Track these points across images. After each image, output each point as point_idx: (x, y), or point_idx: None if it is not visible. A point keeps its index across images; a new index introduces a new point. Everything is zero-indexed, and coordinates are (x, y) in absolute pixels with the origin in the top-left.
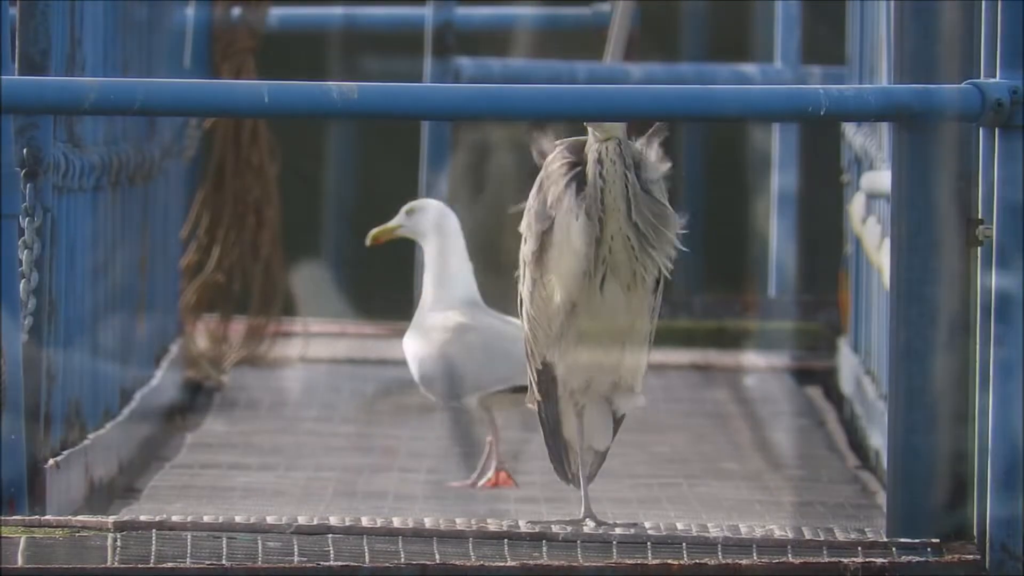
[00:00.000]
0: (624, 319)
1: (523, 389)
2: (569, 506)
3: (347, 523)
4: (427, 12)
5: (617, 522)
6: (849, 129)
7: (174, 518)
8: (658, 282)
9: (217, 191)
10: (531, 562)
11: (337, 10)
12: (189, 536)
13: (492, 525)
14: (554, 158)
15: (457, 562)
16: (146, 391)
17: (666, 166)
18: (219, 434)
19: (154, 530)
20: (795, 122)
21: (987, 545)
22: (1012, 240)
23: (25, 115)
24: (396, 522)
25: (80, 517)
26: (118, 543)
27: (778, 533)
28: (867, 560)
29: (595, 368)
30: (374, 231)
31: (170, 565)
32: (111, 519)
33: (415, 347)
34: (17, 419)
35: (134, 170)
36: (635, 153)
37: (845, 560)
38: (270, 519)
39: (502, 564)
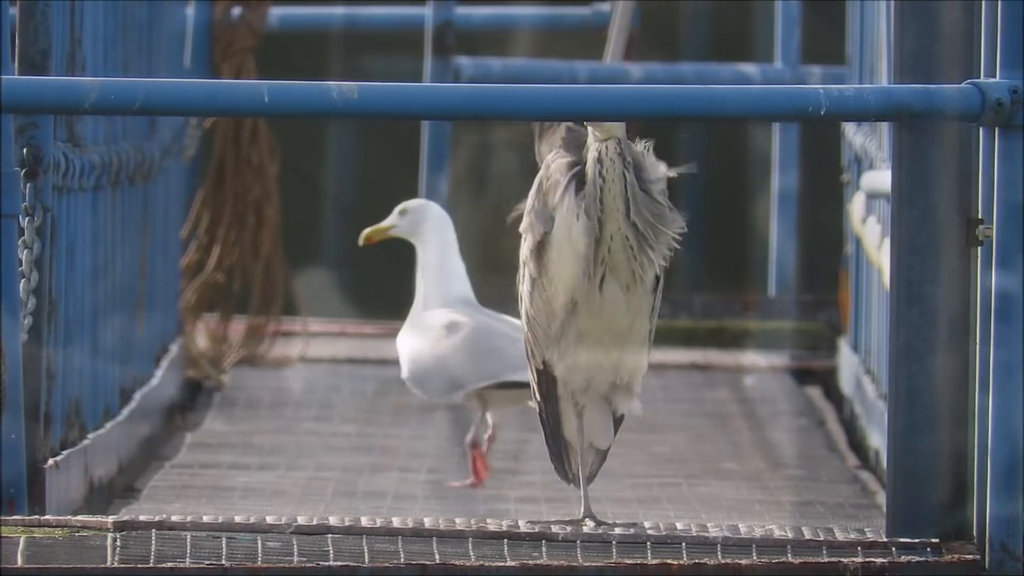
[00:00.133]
0: (623, 319)
1: (513, 385)
2: (569, 506)
3: (347, 523)
4: (427, 12)
5: (617, 522)
6: (849, 129)
7: (174, 518)
8: (657, 281)
9: (217, 191)
10: (531, 562)
11: (337, 10)
12: (189, 536)
13: (492, 525)
14: (554, 157)
15: (457, 562)
16: (146, 391)
17: (667, 170)
18: (219, 434)
19: (154, 530)
20: (795, 122)
21: (987, 545)
22: (1012, 240)
23: (25, 115)
24: (396, 522)
25: (80, 517)
26: (118, 543)
27: (778, 533)
28: (867, 560)
29: (595, 368)
30: (367, 231)
31: (170, 565)
32: (111, 519)
33: (406, 345)
34: (17, 419)
35: (134, 170)
36: (635, 153)
37: (845, 560)
38: (270, 519)
39: (502, 564)
